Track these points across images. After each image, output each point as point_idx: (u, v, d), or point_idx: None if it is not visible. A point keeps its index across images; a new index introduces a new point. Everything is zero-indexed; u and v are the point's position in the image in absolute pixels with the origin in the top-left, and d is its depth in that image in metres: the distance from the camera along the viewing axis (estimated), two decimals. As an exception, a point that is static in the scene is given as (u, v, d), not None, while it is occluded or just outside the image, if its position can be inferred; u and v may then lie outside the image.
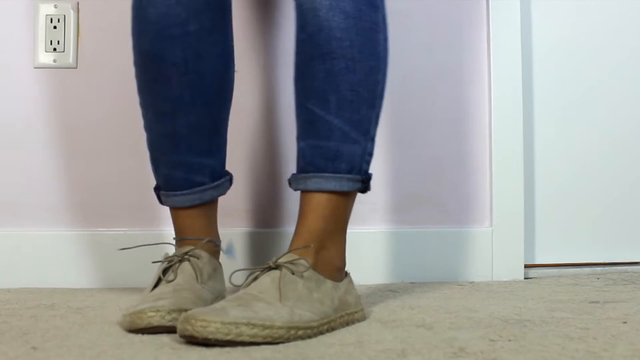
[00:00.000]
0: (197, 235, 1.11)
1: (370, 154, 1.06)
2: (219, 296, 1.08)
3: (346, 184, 1.02)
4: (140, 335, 0.89)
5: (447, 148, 1.53)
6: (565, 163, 1.62)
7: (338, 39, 1.01)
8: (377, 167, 1.51)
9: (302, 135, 1.04)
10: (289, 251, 0.97)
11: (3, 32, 1.46)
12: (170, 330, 0.91)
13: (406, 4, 1.53)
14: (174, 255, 1.06)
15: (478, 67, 1.55)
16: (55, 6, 1.47)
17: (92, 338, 0.88)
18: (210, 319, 0.82)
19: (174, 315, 0.91)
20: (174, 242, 1.14)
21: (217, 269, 1.11)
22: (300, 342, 0.85)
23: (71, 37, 1.47)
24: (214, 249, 1.13)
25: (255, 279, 0.94)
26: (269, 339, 0.84)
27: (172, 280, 1.01)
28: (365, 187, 1.05)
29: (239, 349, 0.81)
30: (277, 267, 0.94)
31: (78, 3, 1.47)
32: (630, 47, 1.65)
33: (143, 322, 0.90)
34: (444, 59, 1.54)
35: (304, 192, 1.03)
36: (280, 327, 0.85)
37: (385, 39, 1.06)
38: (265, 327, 0.84)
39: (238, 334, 0.82)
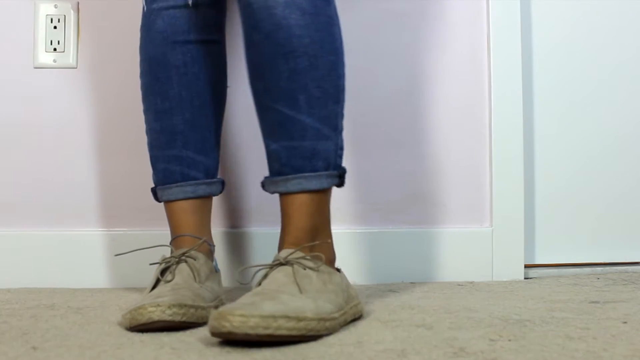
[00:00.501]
0: (192, 233, 1.12)
1: (342, 148, 1.06)
2: (217, 297, 1.09)
3: (325, 181, 1.02)
4: (140, 335, 0.90)
5: (447, 148, 1.53)
6: (565, 163, 1.62)
7: (298, 37, 0.99)
8: (377, 167, 1.51)
9: (272, 137, 1.03)
10: (296, 249, 0.97)
11: (3, 32, 1.46)
12: (170, 325, 0.92)
13: (406, 4, 1.53)
14: (171, 257, 1.07)
15: (478, 67, 1.55)
16: (55, 6, 1.47)
17: (92, 338, 0.88)
18: (249, 314, 0.80)
19: (175, 309, 0.92)
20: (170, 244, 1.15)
21: (213, 270, 1.12)
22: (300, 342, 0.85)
23: (71, 37, 1.47)
24: (209, 250, 1.14)
25: (265, 276, 0.94)
26: (303, 332, 0.84)
27: (170, 281, 1.02)
28: (341, 182, 1.05)
29: (239, 349, 0.81)
30: (286, 263, 0.94)
31: (78, 3, 1.47)
32: (631, 47, 1.65)
33: (144, 318, 0.91)
34: (444, 59, 1.54)
35: (284, 194, 1.02)
36: (312, 319, 0.85)
37: (340, 32, 1.05)
38: (299, 319, 0.84)
39: (277, 327, 0.81)
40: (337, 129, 1.04)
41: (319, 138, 1.01)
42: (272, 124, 1.02)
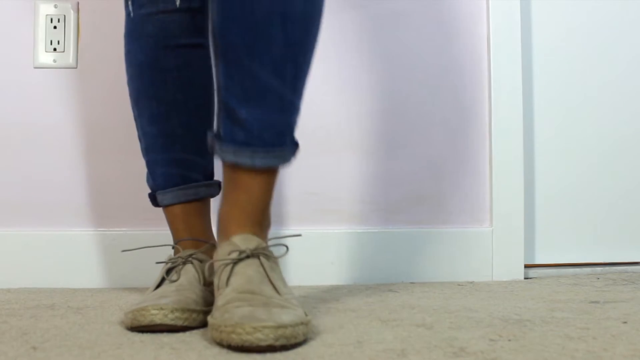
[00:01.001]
0: (196, 236, 1.12)
1: None
2: None
3: (288, 157, 0.97)
4: (140, 335, 0.89)
5: (447, 148, 1.53)
6: (565, 163, 1.62)
7: None
8: (378, 167, 1.51)
9: (244, 104, 0.92)
10: (260, 241, 0.94)
11: (3, 32, 1.46)
12: (171, 329, 0.91)
13: (406, 4, 1.53)
14: (177, 257, 1.07)
15: (478, 67, 1.55)
16: (55, 6, 1.47)
17: (92, 338, 0.88)
18: (282, 324, 0.80)
19: (177, 314, 0.91)
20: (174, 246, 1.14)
21: None
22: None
23: (71, 37, 1.47)
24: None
25: (232, 270, 0.91)
26: (308, 334, 0.85)
27: (175, 281, 1.02)
28: (295, 156, 0.99)
29: (239, 350, 0.80)
30: (252, 255, 0.92)
31: (78, 3, 1.47)
32: (631, 47, 1.65)
33: (146, 320, 0.91)
34: (444, 59, 1.54)
35: (246, 166, 0.95)
36: (310, 320, 0.86)
37: None
38: (306, 324, 0.84)
39: (301, 333, 0.83)
40: (302, 100, 0.98)
41: (293, 112, 0.95)
42: (247, 90, 0.92)
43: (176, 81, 1.15)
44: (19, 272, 1.40)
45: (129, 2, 1.16)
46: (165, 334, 0.90)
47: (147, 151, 1.18)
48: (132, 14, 1.16)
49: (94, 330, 0.93)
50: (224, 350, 0.80)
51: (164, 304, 0.92)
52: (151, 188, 1.19)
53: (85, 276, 1.41)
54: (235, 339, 0.79)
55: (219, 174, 1.23)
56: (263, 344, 0.78)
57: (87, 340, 0.86)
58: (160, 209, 1.20)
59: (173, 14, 1.15)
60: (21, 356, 0.78)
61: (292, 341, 0.81)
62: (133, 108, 1.18)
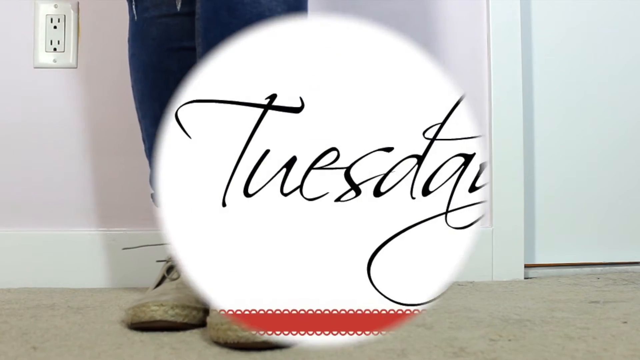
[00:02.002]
0: None
1: None
2: None
3: None
4: (140, 335, 0.90)
5: (447, 148, 1.53)
6: (565, 163, 1.62)
7: None
8: (377, 167, 1.51)
9: None
10: None
11: (3, 32, 1.46)
12: (171, 326, 0.91)
13: (406, 4, 1.53)
14: None
15: (478, 67, 1.55)
16: (55, 6, 1.47)
17: (92, 338, 0.88)
18: None
19: (177, 310, 0.92)
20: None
21: None
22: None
23: (71, 37, 1.47)
24: None
25: None
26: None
27: (175, 279, 1.03)
28: None
29: (239, 349, 0.81)
30: None
31: (78, 3, 1.47)
32: (631, 47, 1.65)
33: (146, 316, 0.91)
34: (444, 59, 1.54)
35: None
36: None
37: None
38: None
39: None
40: None
41: None
42: None
43: (179, 83, 1.15)
44: (19, 272, 1.40)
45: (133, 6, 1.17)
46: (165, 334, 0.90)
47: (150, 152, 1.19)
48: (136, 18, 1.17)
49: (94, 330, 0.93)
50: (224, 350, 0.80)
51: (164, 300, 0.93)
52: (154, 188, 1.19)
53: (85, 276, 1.41)
54: (231, 335, 0.80)
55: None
56: (259, 340, 0.79)
57: (87, 340, 0.86)
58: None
59: (176, 17, 1.16)
60: (21, 356, 0.78)
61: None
62: (137, 110, 1.20)
